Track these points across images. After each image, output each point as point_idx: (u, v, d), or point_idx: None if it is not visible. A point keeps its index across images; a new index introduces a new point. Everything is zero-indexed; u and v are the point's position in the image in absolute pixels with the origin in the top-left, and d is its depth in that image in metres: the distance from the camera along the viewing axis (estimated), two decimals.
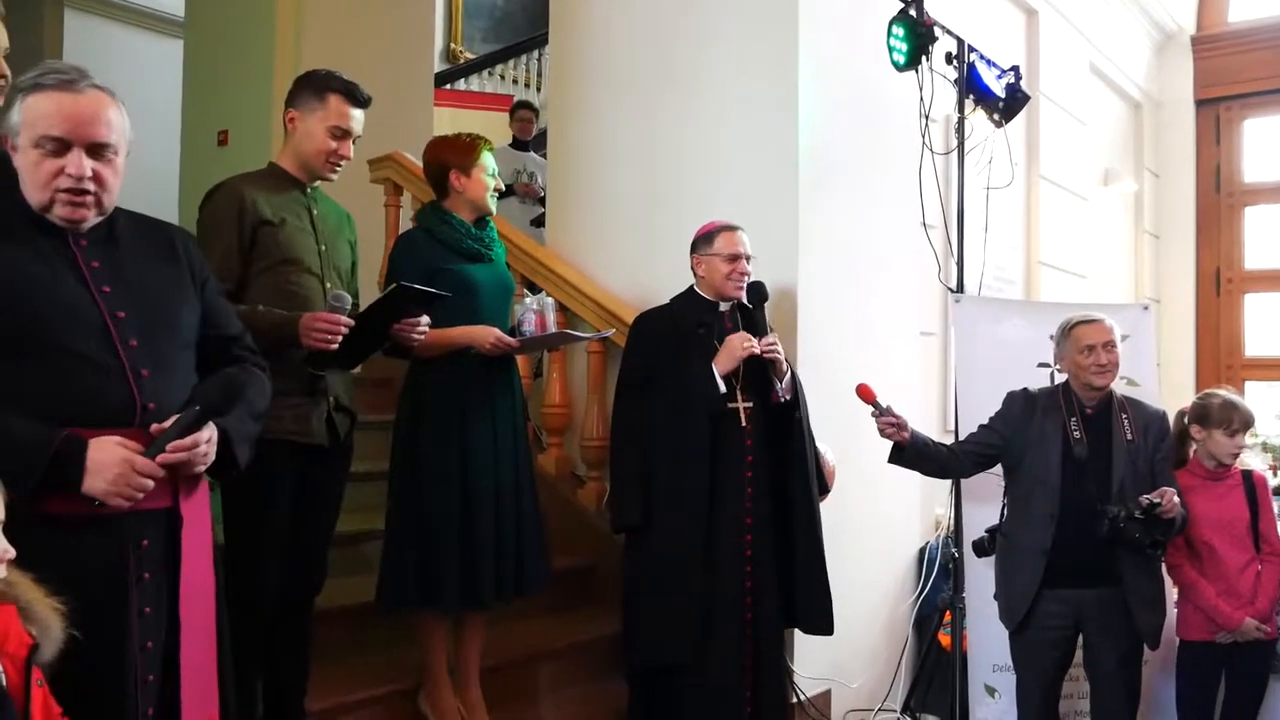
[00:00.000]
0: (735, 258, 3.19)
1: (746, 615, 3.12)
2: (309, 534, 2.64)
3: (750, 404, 3.16)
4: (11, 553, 1.44)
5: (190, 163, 5.67)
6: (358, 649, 3.15)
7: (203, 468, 1.84)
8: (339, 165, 2.69)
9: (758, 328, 3.16)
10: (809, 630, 3.26)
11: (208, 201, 2.59)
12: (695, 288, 3.29)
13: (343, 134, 2.66)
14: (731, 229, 3.24)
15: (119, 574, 1.76)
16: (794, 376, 3.23)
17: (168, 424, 1.77)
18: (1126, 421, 3.12)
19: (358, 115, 2.68)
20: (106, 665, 1.74)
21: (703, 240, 3.26)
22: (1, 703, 1.36)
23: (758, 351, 3.10)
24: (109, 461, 1.70)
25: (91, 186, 1.78)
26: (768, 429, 3.21)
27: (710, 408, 3.08)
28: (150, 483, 1.74)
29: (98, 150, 1.79)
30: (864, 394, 3.05)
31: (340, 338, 2.50)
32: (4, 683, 1.39)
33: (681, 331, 3.19)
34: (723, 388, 3.09)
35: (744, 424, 3.14)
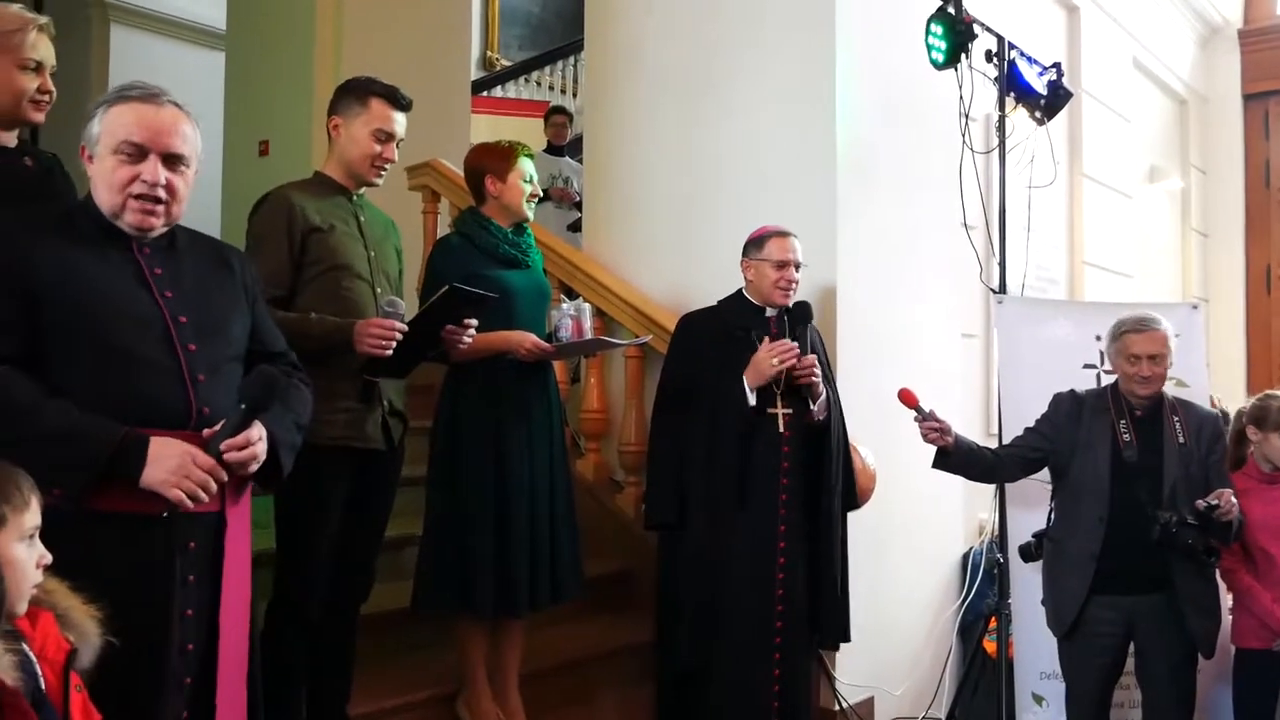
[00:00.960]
0: (784, 264, 3.15)
1: (776, 624, 3.08)
2: (359, 541, 2.66)
3: (789, 410, 3.12)
4: (48, 558, 1.45)
5: (232, 173, 5.74)
6: (398, 654, 3.16)
7: (255, 466, 1.87)
8: (384, 169, 2.72)
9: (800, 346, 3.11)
10: (826, 640, 3.24)
11: (257, 211, 2.63)
12: (744, 291, 3.26)
13: (386, 137, 2.69)
14: (784, 235, 3.20)
15: (165, 575, 1.80)
16: (829, 398, 3.18)
17: (217, 428, 1.82)
18: (1178, 424, 3.06)
19: (400, 119, 2.71)
20: (147, 665, 1.76)
21: (754, 244, 3.22)
22: (41, 706, 1.37)
23: (784, 370, 3.04)
24: (170, 454, 1.75)
25: (164, 195, 1.86)
26: (810, 437, 3.17)
27: (745, 418, 3.05)
28: (212, 482, 1.79)
29: (172, 161, 1.87)
30: (906, 399, 3.01)
31: (395, 343, 2.51)
32: (43, 687, 1.40)
33: (724, 334, 3.17)
34: (753, 400, 3.04)
35: (781, 430, 3.11)
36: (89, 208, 1.89)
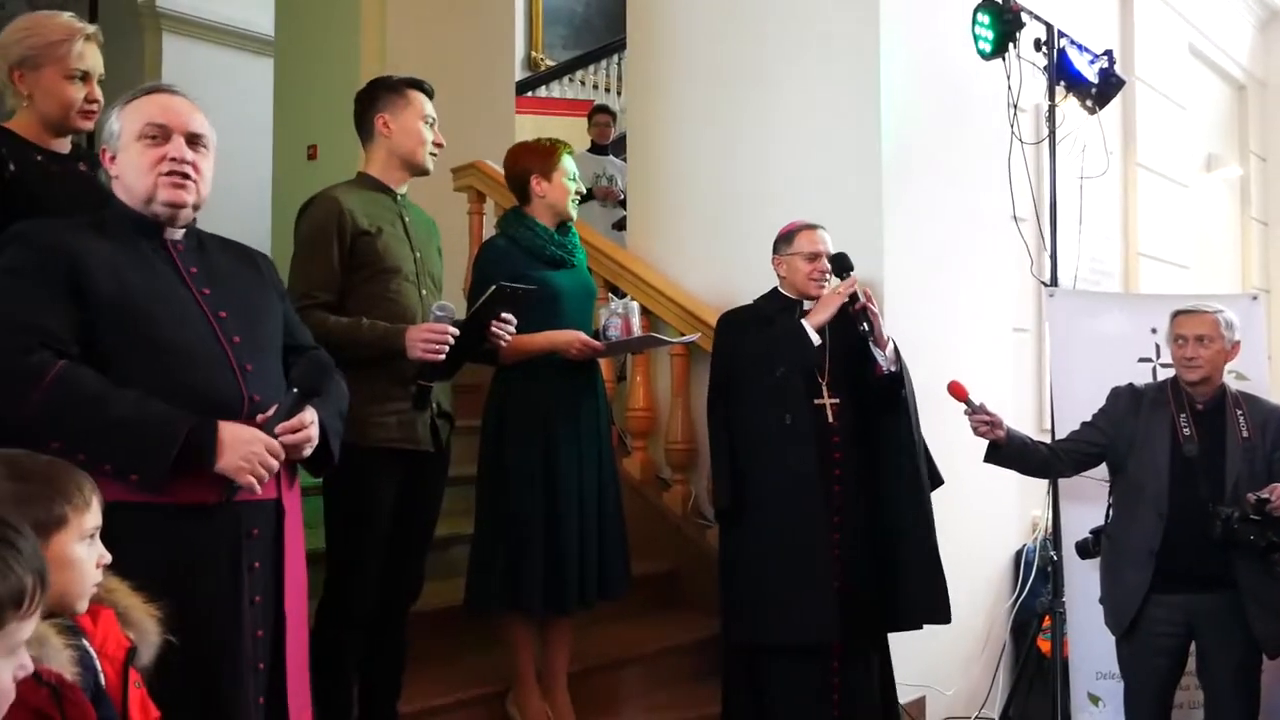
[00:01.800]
0: (815, 256, 3.14)
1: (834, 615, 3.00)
2: (408, 541, 2.68)
3: (838, 400, 3.08)
4: (108, 557, 1.48)
5: (282, 177, 5.82)
6: (447, 652, 3.18)
7: (309, 450, 1.92)
8: (436, 154, 2.77)
9: (850, 296, 3.04)
10: (924, 621, 3.12)
11: (305, 214, 2.64)
12: (779, 288, 3.26)
13: (433, 121, 2.75)
14: (811, 228, 3.18)
15: (235, 562, 1.84)
16: (897, 349, 3.09)
17: (270, 412, 1.86)
18: (1242, 418, 2.99)
19: (431, 104, 2.77)
20: (224, 652, 1.82)
21: (783, 240, 3.22)
22: (100, 702, 1.40)
23: (847, 296, 2.99)
24: (243, 439, 1.79)
25: (191, 171, 1.91)
26: (859, 426, 3.11)
27: (803, 363, 2.99)
28: (276, 464, 1.83)
29: (194, 140, 1.92)
30: (955, 391, 2.98)
31: (447, 348, 2.52)
32: (103, 683, 1.43)
33: (766, 323, 3.16)
34: (816, 339, 2.99)
35: (831, 420, 3.06)
36: (118, 208, 1.93)
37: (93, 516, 1.45)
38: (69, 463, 1.47)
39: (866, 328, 3.00)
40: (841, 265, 3.13)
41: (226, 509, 1.82)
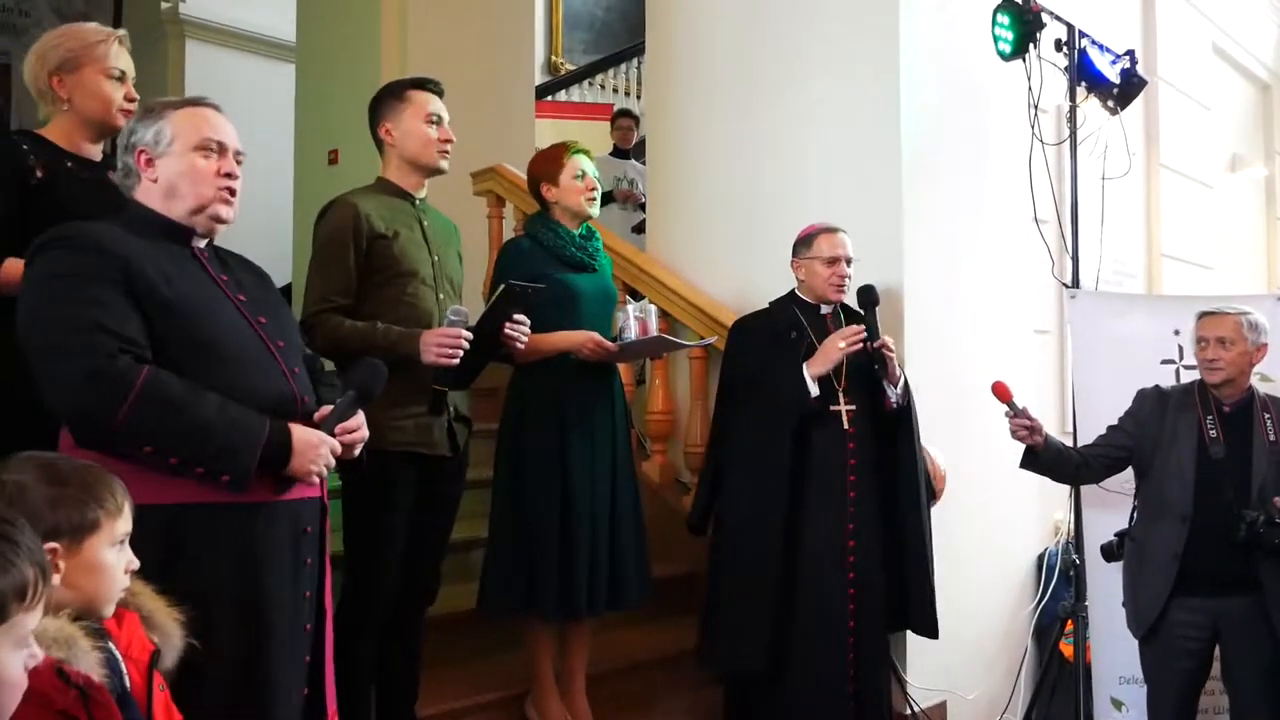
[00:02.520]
0: (835, 260, 3.13)
1: (850, 623, 3.04)
2: (425, 544, 2.69)
3: (854, 407, 3.08)
4: (136, 563, 1.49)
5: (303, 182, 5.87)
6: (466, 656, 3.19)
7: (358, 450, 1.98)
8: (447, 151, 2.75)
9: (871, 333, 3.06)
10: (916, 630, 3.19)
11: (323, 219, 2.65)
12: (797, 291, 3.25)
13: (437, 119, 2.73)
14: (831, 231, 3.18)
15: (296, 558, 1.89)
16: (906, 384, 3.14)
17: (326, 411, 1.91)
18: (1269, 421, 2.96)
19: (438, 101, 2.76)
20: (285, 646, 1.87)
21: (802, 243, 3.21)
22: (126, 704, 1.41)
23: (852, 349, 3.00)
24: (311, 441, 1.85)
25: (239, 187, 1.95)
26: (876, 432, 3.12)
27: (799, 410, 3.01)
28: (334, 463, 1.89)
29: (236, 159, 1.97)
30: (999, 392, 2.96)
31: (462, 353, 2.53)
32: (128, 685, 1.45)
33: (774, 335, 3.15)
34: (815, 390, 3.01)
35: (846, 427, 3.06)
36: (142, 212, 1.92)
37: (124, 522, 1.46)
38: (103, 470, 1.49)
39: (879, 367, 3.02)
40: (867, 299, 3.11)
41: (288, 506, 1.87)
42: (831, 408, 3.06)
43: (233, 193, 1.94)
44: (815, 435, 3.04)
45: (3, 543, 1.15)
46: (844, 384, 3.08)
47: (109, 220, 1.88)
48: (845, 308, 3.21)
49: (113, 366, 1.70)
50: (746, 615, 3.00)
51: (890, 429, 3.14)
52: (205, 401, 1.75)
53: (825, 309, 3.19)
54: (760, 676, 3.02)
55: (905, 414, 3.12)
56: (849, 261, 3.15)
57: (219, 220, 1.94)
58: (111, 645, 1.44)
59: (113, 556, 1.44)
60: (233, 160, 1.94)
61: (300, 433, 1.84)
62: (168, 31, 7.28)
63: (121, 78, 2.38)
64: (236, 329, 1.89)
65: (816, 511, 3.03)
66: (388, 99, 2.75)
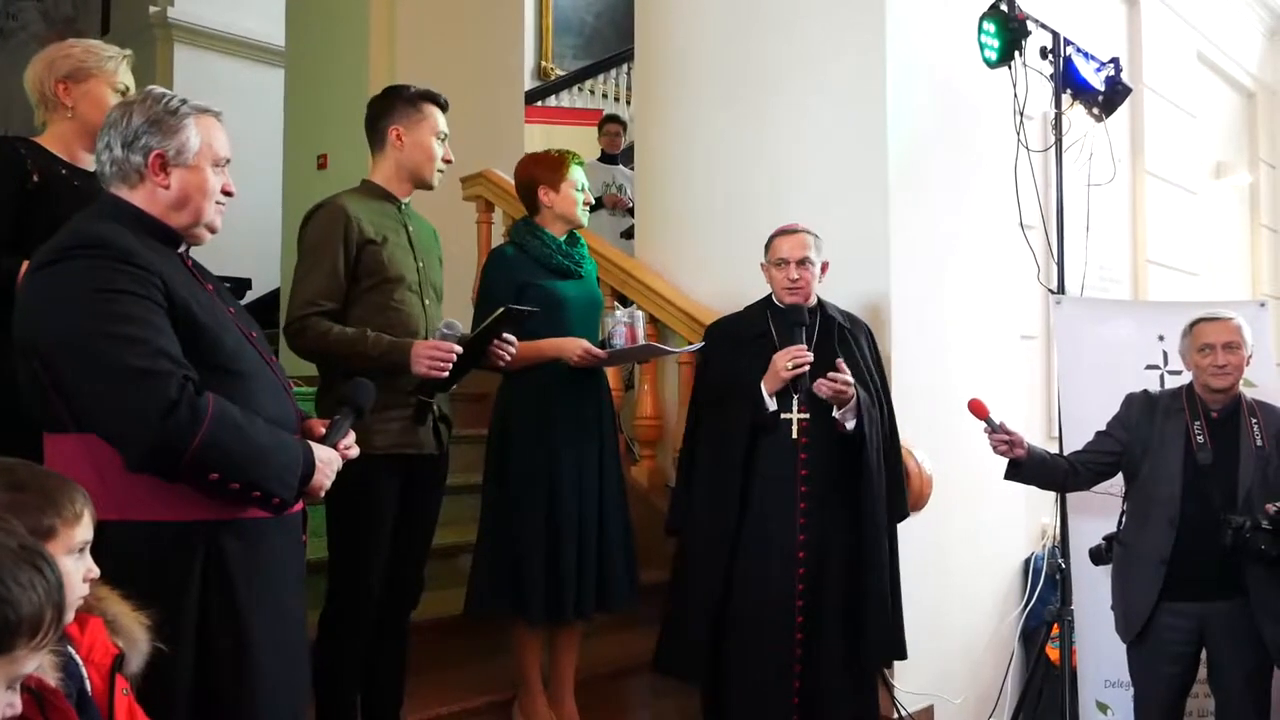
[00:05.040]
0: (783, 263, 3.07)
1: (797, 635, 2.95)
2: (408, 547, 2.68)
3: (806, 416, 2.99)
4: (96, 572, 1.48)
5: (292, 186, 5.86)
6: (453, 661, 3.19)
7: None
8: (443, 170, 2.79)
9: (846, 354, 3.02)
10: (874, 654, 3.08)
11: (310, 221, 2.64)
12: (772, 296, 3.21)
13: (444, 137, 2.76)
14: (786, 233, 3.12)
15: (299, 569, 1.94)
16: (865, 403, 2.99)
17: (326, 427, 1.96)
18: (1256, 426, 2.98)
19: (444, 119, 2.78)
20: (302, 650, 1.93)
21: (765, 247, 3.19)
22: (85, 708, 1.41)
23: (798, 373, 2.93)
24: (327, 460, 1.87)
25: None
26: (834, 440, 3.00)
27: (751, 420, 2.96)
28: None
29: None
30: (976, 410, 2.94)
31: (452, 365, 2.54)
32: (89, 689, 1.44)
33: (741, 341, 3.12)
34: (772, 405, 2.96)
35: (795, 436, 2.98)
36: (136, 213, 1.85)
37: (83, 530, 1.45)
38: (64, 477, 1.49)
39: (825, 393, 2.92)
40: (793, 319, 3.03)
41: (294, 518, 1.91)
42: (783, 416, 2.99)
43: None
44: (764, 444, 2.98)
45: (34, 572, 1.14)
46: (800, 393, 2.97)
47: (105, 220, 1.81)
48: (822, 309, 3.16)
49: (187, 396, 1.69)
50: (690, 622, 2.98)
51: (853, 443, 3.04)
52: (259, 427, 1.78)
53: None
54: (710, 684, 3.00)
55: (861, 442, 2.99)
56: (803, 263, 3.06)
57: (213, 231, 1.94)
58: (71, 649, 1.44)
59: (70, 565, 1.43)
60: (226, 174, 1.95)
61: (318, 450, 1.87)
62: (156, 35, 7.28)
63: (125, 93, 2.43)
64: (244, 346, 1.89)
65: (760, 524, 2.96)
66: (400, 103, 2.73)
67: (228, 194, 1.93)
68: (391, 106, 2.73)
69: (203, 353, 1.78)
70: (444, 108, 2.77)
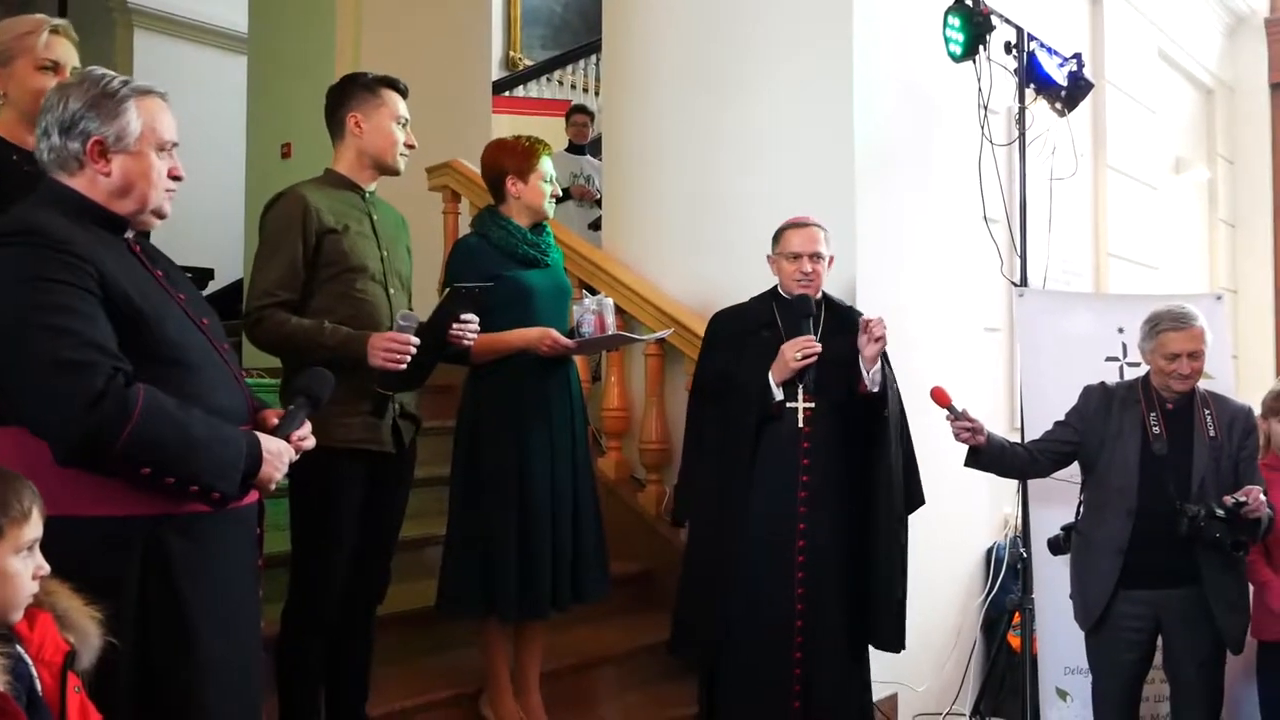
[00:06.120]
0: (796, 256, 3.07)
1: (797, 622, 2.96)
2: (373, 542, 2.66)
3: (812, 404, 3.01)
4: (46, 568, 1.47)
5: (255, 175, 5.79)
6: (418, 654, 3.18)
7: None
8: (407, 154, 2.75)
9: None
10: (879, 645, 3.11)
11: (270, 210, 2.61)
12: (778, 287, 3.18)
13: (405, 122, 2.72)
14: (799, 226, 3.12)
15: (253, 561, 1.90)
16: (884, 373, 3.00)
17: (279, 418, 1.90)
18: (1209, 417, 3.03)
19: (404, 104, 2.75)
20: (255, 645, 1.89)
21: (775, 238, 3.16)
22: (35, 707, 1.39)
23: (807, 363, 2.94)
24: (277, 451, 1.82)
25: None
26: (839, 431, 3.02)
27: (759, 412, 2.98)
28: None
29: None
30: (938, 397, 2.96)
31: (409, 358, 2.51)
32: (39, 689, 1.42)
33: (748, 331, 3.12)
34: (779, 395, 2.96)
35: (800, 425, 3.00)
36: (78, 199, 1.79)
37: (31, 529, 1.43)
38: (13, 474, 1.46)
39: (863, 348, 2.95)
40: (801, 310, 3.03)
41: (247, 511, 1.86)
42: (789, 404, 3.00)
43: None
44: (768, 431, 3.00)
45: None
46: (804, 382, 2.99)
47: (45, 206, 1.75)
48: (829, 301, 3.15)
49: (115, 388, 1.63)
50: (699, 608, 3.00)
51: (865, 425, 3.03)
52: (194, 418, 1.72)
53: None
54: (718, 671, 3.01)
55: (881, 406, 2.99)
56: (815, 257, 3.07)
57: (161, 217, 1.88)
58: (20, 649, 1.41)
59: (18, 564, 1.41)
60: (178, 159, 1.87)
61: (266, 442, 1.81)
62: (115, 20, 7.15)
63: (55, 68, 2.29)
64: (191, 335, 1.83)
65: (760, 512, 2.98)
66: (358, 90, 2.70)
67: (176, 178, 1.86)
68: (349, 94, 2.70)
69: (143, 343, 1.73)
70: (403, 93, 2.74)
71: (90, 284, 1.68)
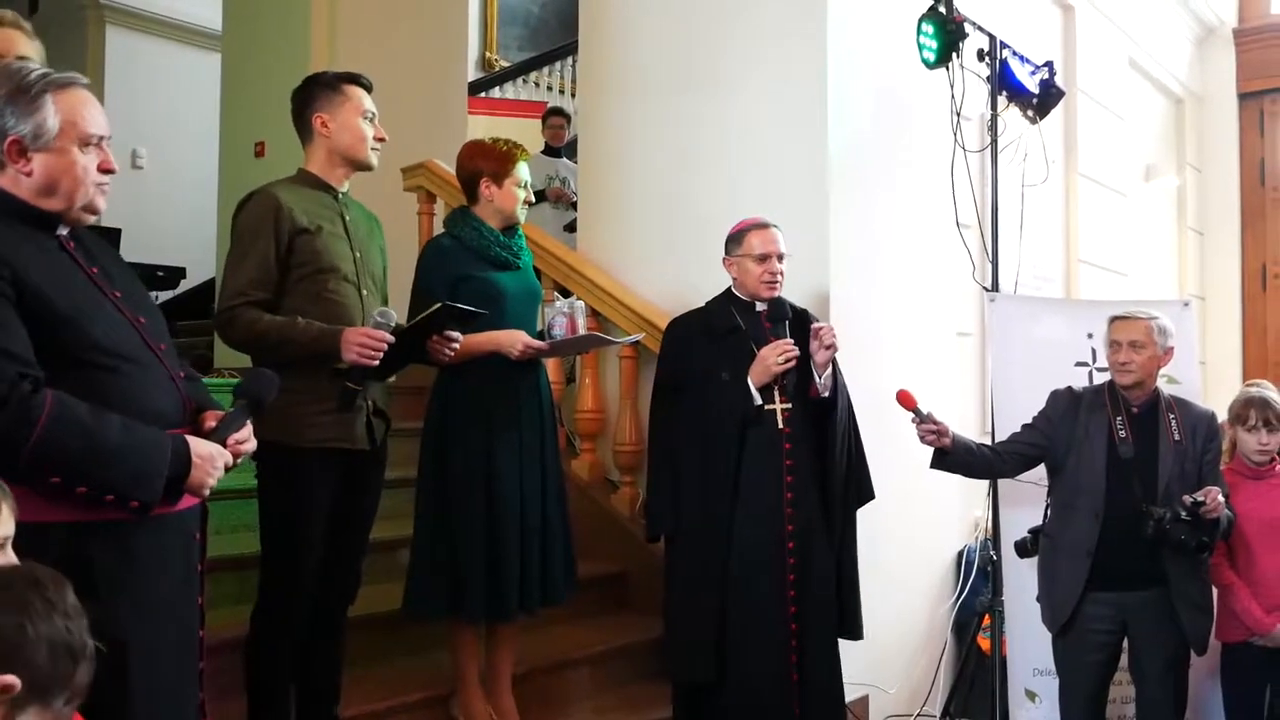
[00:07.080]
0: (765, 257, 3.09)
1: (791, 625, 2.99)
2: (344, 543, 2.64)
3: (789, 405, 3.04)
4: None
5: (228, 173, 5.75)
6: (389, 656, 3.16)
7: (241, 459, 1.91)
8: (378, 148, 2.72)
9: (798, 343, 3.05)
10: (841, 634, 3.15)
11: (242, 210, 2.59)
12: (732, 289, 3.20)
13: (372, 116, 2.70)
14: (762, 227, 3.14)
15: (189, 565, 1.86)
16: (836, 376, 3.08)
17: (217, 421, 1.86)
18: (1174, 422, 3.07)
19: (370, 99, 2.72)
20: (189, 654, 1.85)
21: (733, 240, 3.17)
22: None
23: (788, 367, 2.99)
24: (206, 454, 1.78)
25: None
26: (813, 431, 3.08)
27: (741, 417, 2.99)
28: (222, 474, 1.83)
29: (108, 144, 1.83)
30: (904, 400, 2.99)
31: (381, 354, 2.50)
32: None
33: (713, 335, 3.12)
34: (758, 399, 2.99)
35: (780, 426, 3.02)
36: (13, 204, 1.74)
37: (3, 525, 1.42)
38: None
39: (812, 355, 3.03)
40: (776, 313, 3.08)
41: (180, 516, 1.81)
42: (767, 407, 3.02)
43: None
44: (750, 435, 3.00)
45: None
46: (781, 382, 3.03)
47: None
48: (784, 302, 3.16)
49: (17, 395, 1.59)
50: (695, 625, 2.98)
51: (819, 423, 3.10)
52: (109, 425, 1.67)
53: (760, 306, 3.14)
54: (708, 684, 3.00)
55: (832, 406, 3.07)
56: (781, 257, 3.10)
57: (94, 213, 1.81)
58: None
59: None
60: (108, 152, 1.81)
61: (197, 446, 1.77)
62: (87, 17, 7.07)
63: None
64: (122, 334, 1.77)
65: (751, 515, 2.98)
66: (321, 90, 2.68)
67: (107, 171, 1.79)
68: (312, 95, 2.69)
69: (64, 345, 1.68)
70: (367, 88, 2.72)
71: (2, 286, 1.64)
